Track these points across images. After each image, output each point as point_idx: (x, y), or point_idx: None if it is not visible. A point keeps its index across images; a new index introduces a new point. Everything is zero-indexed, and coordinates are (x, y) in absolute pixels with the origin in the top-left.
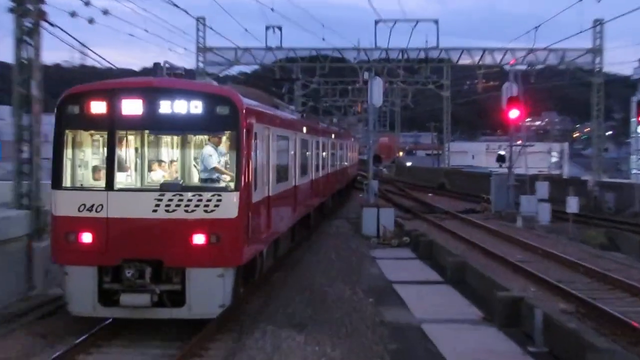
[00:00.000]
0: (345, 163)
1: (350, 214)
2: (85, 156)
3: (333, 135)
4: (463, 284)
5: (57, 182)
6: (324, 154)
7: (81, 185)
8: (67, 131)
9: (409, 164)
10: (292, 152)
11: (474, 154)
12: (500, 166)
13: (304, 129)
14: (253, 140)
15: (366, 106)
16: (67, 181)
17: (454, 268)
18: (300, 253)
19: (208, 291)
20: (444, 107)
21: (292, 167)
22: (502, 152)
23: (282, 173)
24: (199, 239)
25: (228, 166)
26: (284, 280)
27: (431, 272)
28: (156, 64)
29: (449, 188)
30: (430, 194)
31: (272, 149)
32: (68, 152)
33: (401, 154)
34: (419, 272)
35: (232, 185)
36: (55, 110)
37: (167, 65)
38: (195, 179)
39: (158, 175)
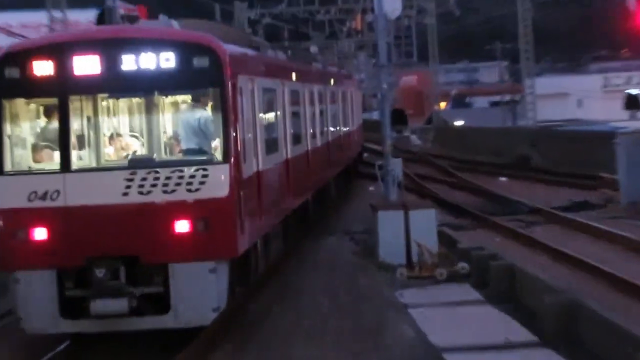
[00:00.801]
0: (346, 128)
1: (354, 224)
2: (32, 131)
3: (331, 81)
4: (576, 347)
5: None
6: (319, 111)
7: (29, 168)
8: (4, 101)
9: (458, 123)
10: (280, 111)
11: (581, 97)
12: (633, 116)
13: (294, 76)
14: (239, 98)
15: (371, 19)
16: (9, 164)
17: (559, 317)
18: (268, 297)
19: (198, 291)
20: (518, 13)
21: (282, 132)
22: (635, 91)
23: (270, 142)
24: (182, 226)
25: (211, 132)
26: None
27: (514, 327)
28: (108, 8)
29: (538, 164)
30: (503, 178)
31: (257, 108)
32: (8, 128)
33: (443, 105)
34: (492, 328)
35: (219, 156)
36: None
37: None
38: (171, 151)
39: (124, 150)
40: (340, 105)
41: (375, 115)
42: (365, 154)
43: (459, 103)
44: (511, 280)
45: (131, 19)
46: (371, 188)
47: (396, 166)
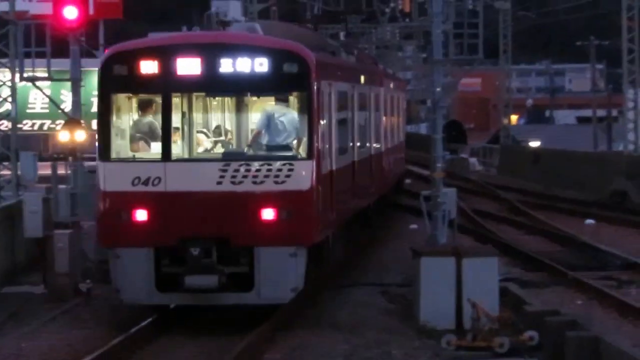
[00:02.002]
0: (387, 144)
1: (389, 273)
2: (133, 124)
3: (390, 83)
4: None
5: (104, 153)
6: (378, 116)
7: (133, 156)
8: (113, 95)
9: (534, 143)
10: (350, 114)
11: None
12: None
13: (362, 79)
14: (322, 101)
15: None
16: (116, 151)
17: None
18: None
19: (279, 273)
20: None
21: (351, 134)
22: None
23: (342, 142)
24: (268, 214)
25: (297, 131)
26: None
27: None
28: (208, 14)
29: (638, 203)
30: (590, 221)
31: (334, 111)
32: (116, 119)
33: (514, 119)
34: None
35: (304, 153)
36: (99, 71)
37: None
38: (260, 146)
39: (219, 144)
40: (384, 114)
41: (423, 129)
42: (407, 180)
43: (536, 117)
44: (595, 356)
45: (224, 24)
46: (413, 226)
47: (448, 198)
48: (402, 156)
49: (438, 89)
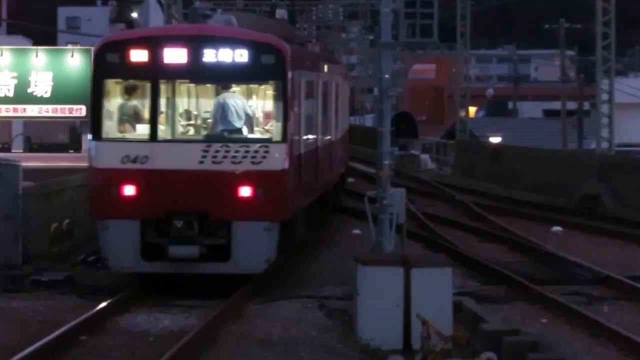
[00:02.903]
0: (328, 135)
1: (326, 284)
2: (125, 106)
3: (338, 70)
4: None
5: (96, 133)
6: (331, 105)
7: (123, 136)
8: (105, 80)
9: (494, 139)
10: (315, 103)
11: None
12: None
13: (325, 67)
14: (294, 90)
15: None
16: (107, 132)
17: None
18: None
19: (254, 246)
20: None
21: (315, 122)
22: None
23: (309, 129)
24: (245, 191)
25: (273, 116)
26: None
27: None
28: (193, 9)
29: (611, 209)
30: (557, 228)
31: (303, 98)
32: (107, 102)
33: (472, 112)
34: None
35: (278, 136)
36: (93, 59)
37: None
38: (238, 130)
39: (200, 127)
40: (335, 103)
41: (368, 121)
42: (350, 179)
43: (498, 109)
44: None
45: (205, 16)
46: (356, 231)
47: (396, 200)
48: (345, 151)
49: (386, 76)
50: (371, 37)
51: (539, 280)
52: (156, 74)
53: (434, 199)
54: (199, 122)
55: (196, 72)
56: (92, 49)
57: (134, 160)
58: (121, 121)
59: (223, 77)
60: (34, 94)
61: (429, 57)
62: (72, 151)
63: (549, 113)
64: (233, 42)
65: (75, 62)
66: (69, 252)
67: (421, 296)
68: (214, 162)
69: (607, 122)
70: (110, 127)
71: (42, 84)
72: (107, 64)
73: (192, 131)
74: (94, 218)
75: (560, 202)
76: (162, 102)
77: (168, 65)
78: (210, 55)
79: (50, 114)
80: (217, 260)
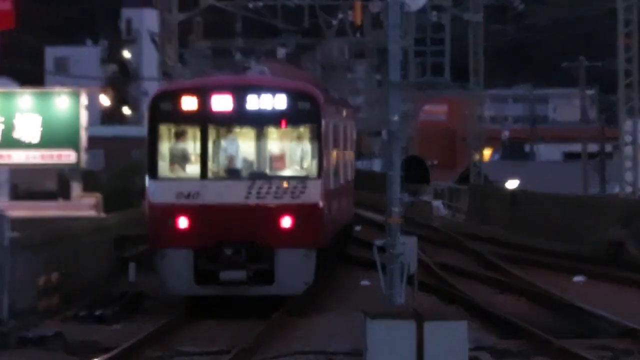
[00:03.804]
0: (345, 177)
1: (332, 339)
2: (178, 148)
3: (346, 113)
4: None
5: (153, 173)
6: (343, 146)
7: (177, 176)
8: (160, 125)
9: (511, 184)
10: (336, 145)
11: None
12: None
13: (344, 113)
14: (326, 132)
15: (378, 9)
16: (162, 171)
17: None
18: None
19: (295, 270)
20: (618, 10)
21: (336, 162)
22: None
23: (334, 168)
24: (286, 222)
25: (309, 156)
26: None
27: None
28: (233, 61)
29: (636, 256)
30: (579, 277)
31: (331, 140)
32: (161, 145)
33: (487, 155)
34: None
35: (314, 173)
36: (149, 106)
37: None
38: (278, 168)
39: (245, 166)
40: (344, 147)
41: (376, 166)
42: (357, 227)
43: (514, 152)
44: None
45: (245, 68)
46: (364, 282)
47: (407, 249)
48: (351, 198)
49: (395, 118)
50: (379, 77)
51: (561, 334)
52: (206, 119)
53: (447, 247)
54: (243, 161)
55: (241, 117)
56: (83, 91)
57: (187, 196)
58: (175, 162)
59: (264, 121)
60: (21, 139)
61: (440, 97)
62: (61, 199)
63: (569, 156)
64: (273, 90)
65: (64, 104)
66: (59, 306)
67: (435, 352)
68: (258, 197)
69: (631, 165)
70: (164, 167)
71: (29, 128)
72: (162, 111)
73: (238, 170)
74: (153, 248)
75: (581, 250)
76: (211, 144)
77: (216, 111)
78: (253, 102)
79: (37, 161)
80: (263, 283)
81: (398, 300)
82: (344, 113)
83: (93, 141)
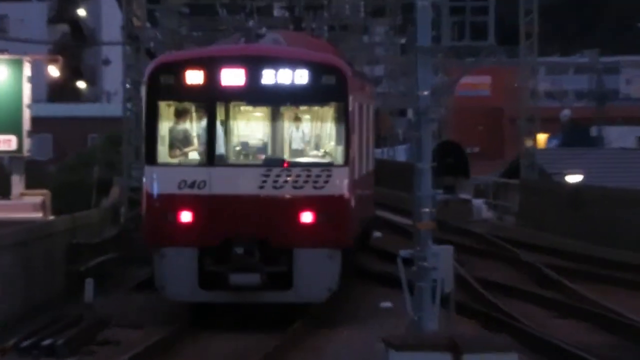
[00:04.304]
0: (367, 165)
1: None
2: (181, 129)
3: (365, 88)
4: None
5: (151, 158)
6: (367, 131)
7: (179, 161)
8: (160, 103)
9: (573, 178)
10: (360, 126)
11: None
12: None
13: (366, 89)
14: (353, 112)
15: None
16: (162, 157)
17: None
18: None
19: (317, 274)
20: None
21: (361, 146)
22: None
23: (360, 153)
24: (307, 217)
25: (334, 139)
26: None
27: None
28: (247, 28)
29: None
30: None
31: (357, 122)
32: (161, 125)
33: (542, 140)
34: None
35: (340, 160)
36: (146, 80)
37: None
38: (298, 154)
39: (259, 151)
40: (366, 129)
41: (400, 154)
42: (377, 233)
43: (577, 137)
44: None
45: (259, 36)
46: (386, 304)
47: (441, 262)
48: (372, 193)
49: (425, 93)
50: (403, 41)
51: None
52: (214, 95)
53: (491, 259)
54: (258, 145)
55: (254, 94)
56: (24, 59)
57: (191, 186)
58: (177, 145)
59: (282, 99)
60: None
61: (483, 66)
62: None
63: None
64: (293, 62)
65: (1, 76)
66: None
67: None
68: (274, 187)
69: None
70: (164, 152)
71: None
72: (162, 86)
73: (251, 155)
74: (149, 246)
75: None
76: (220, 125)
77: (226, 86)
78: (269, 76)
79: None
80: (278, 289)
81: (429, 326)
82: (366, 89)
83: (39, 123)
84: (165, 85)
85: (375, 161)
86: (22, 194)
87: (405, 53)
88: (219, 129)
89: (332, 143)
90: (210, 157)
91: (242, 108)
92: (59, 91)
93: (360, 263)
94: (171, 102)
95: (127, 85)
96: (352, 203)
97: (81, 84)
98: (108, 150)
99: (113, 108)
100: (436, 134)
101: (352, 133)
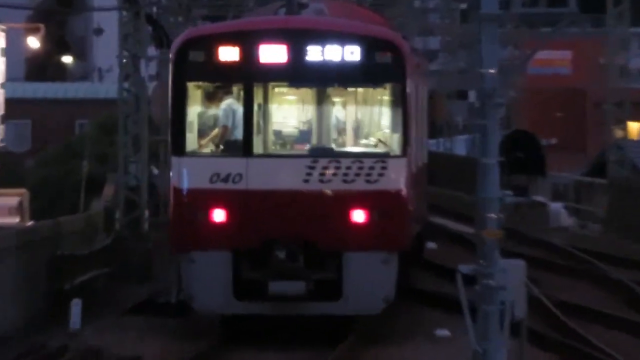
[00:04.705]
0: (422, 159)
1: None
2: (213, 115)
3: (421, 67)
4: None
5: (178, 147)
6: (421, 116)
7: (211, 151)
8: (189, 84)
9: None
10: (417, 112)
11: None
12: None
13: (420, 67)
14: (413, 94)
15: None
16: (192, 146)
17: None
18: None
19: (370, 281)
20: None
21: (420, 134)
22: None
23: (417, 143)
24: (359, 216)
25: (390, 126)
26: None
27: None
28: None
29: None
30: None
31: (414, 106)
32: (190, 110)
33: (635, 129)
34: None
35: (397, 149)
36: (172, 57)
37: None
38: (348, 142)
39: (304, 139)
40: (421, 113)
41: (459, 146)
42: (431, 244)
43: None
44: None
45: (302, 6)
46: (442, 332)
47: (511, 280)
48: (424, 194)
49: (491, 71)
50: (463, 6)
51: None
52: (251, 75)
53: (572, 276)
54: (302, 133)
55: (298, 74)
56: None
57: (226, 180)
58: (208, 133)
59: (330, 79)
60: None
61: (561, 39)
62: None
63: None
64: (343, 37)
65: None
66: None
67: None
68: (321, 181)
69: None
70: (194, 140)
71: None
72: (191, 64)
73: (293, 144)
74: (176, 250)
75: None
76: (258, 109)
77: (265, 65)
78: (315, 53)
79: None
80: (326, 299)
81: (497, 359)
82: (420, 67)
83: (15, 106)
84: (195, 64)
85: (428, 155)
86: None
87: (466, 21)
88: (257, 114)
89: (387, 130)
90: (247, 146)
91: (283, 90)
92: (40, 67)
93: (410, 280)
94: (201, 83)
95: (124, 60)
96: (410, 200)
97: (67, 59)
98: (100, 140)
99: (106, 88)
100: (504, 122)
101: (411, 119)
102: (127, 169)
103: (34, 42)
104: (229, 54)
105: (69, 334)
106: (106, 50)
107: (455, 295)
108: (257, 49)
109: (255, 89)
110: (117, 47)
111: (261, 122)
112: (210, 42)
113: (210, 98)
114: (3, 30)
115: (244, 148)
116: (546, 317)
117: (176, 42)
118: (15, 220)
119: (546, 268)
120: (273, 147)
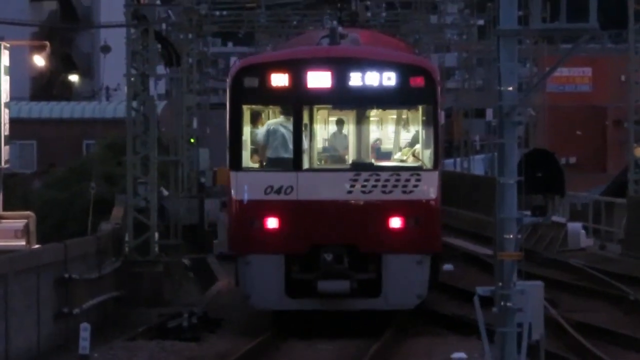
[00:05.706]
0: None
1: None
2: (266, 134)
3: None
4: None
5: (236, 163)
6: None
7: (264, 166)
8: (244, 107)
9: None
10: (439, 126)
11: None
12: None
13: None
14: (441, 114)
15: None
16: (248, 162)
17: None
18: None
19: (406, 280)
20: None
21: (441, 149)
22: None
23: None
24: (396, 222)
25: (423, 143)
26: None
27: None
28: (332, 28)
29: None
30: None
31: (441, 124)
32: (246, 130)
33: None
34: None
35: (429, 163)
36: (229, 83)
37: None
38: (385, 157)
39: (347, 154)
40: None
41: (477, 166)
42: (447, 265)
43: None
44: None
45: (343, 36)
46: (458, 355)
47: (529, 302)
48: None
49: (509, 89)
50: (481, 22)
51: None
52: (300, 98)
53: (591, 298)
54: (345, 149)
55: (341, 97)
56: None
57: (278, 191)
58: (262, 150)
59: (369, 101)
60: None
61: (581, 55)
62: None
63: None
64: (381, 64)
65: None
66: None
67: None
68: (363, 192)
69: None
70: (249, 157)
71: None
72: (246, 89)
73: (338, 159)
74: (235, 252)
75: None
76: (306, 128)
77: (313, 89)
78: (356, 79)
79: None
80: (367, 296)
81: None
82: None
83: (20, 126)
84: (249, 89)
85: (443, 174)
86: (1, 217)
87: (484, 38)
88: (306, 133)
89: (420, 146)
90: (297, 161)
91: (329, 111)
92: (46, 86)
93: (425, 302)
94: (256, 106)
95: (132, 79)
96: (440, 208)
97: (74, 77)
98: (108, 160)
99: (114, 107)
100: (523, 141)
101: (440, 136)
102: (136, 191)
103: (39, 60)
104: (279, 80)
105: (77, 358)
106: (114, 68)
107: (472, 317)
108: (305, 75)
109: (303, 110)
110: (125, 65)
111: (309, 140)
112: (263, 70)
113: (263, 119)
114: (7, 48)
115: (294, 163)
116: (564, 339)
117: (232, 70)
118: (21, 243)
119: (565, 289)
120: (319, 162)
